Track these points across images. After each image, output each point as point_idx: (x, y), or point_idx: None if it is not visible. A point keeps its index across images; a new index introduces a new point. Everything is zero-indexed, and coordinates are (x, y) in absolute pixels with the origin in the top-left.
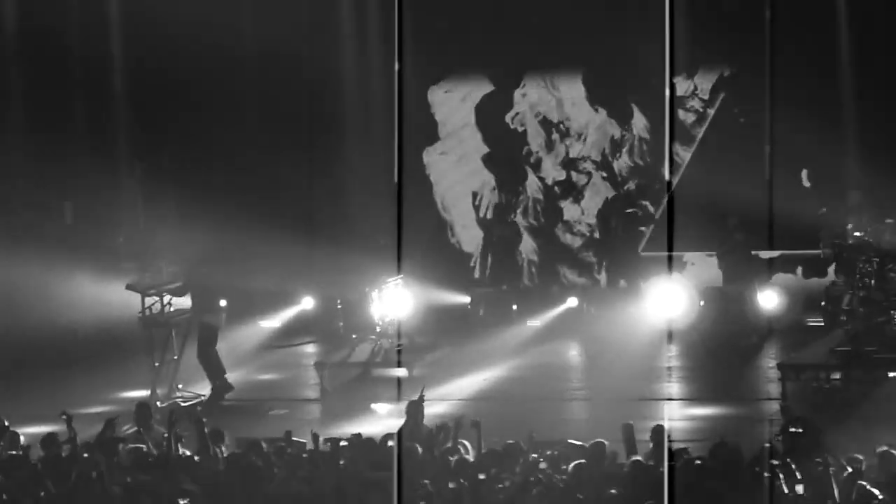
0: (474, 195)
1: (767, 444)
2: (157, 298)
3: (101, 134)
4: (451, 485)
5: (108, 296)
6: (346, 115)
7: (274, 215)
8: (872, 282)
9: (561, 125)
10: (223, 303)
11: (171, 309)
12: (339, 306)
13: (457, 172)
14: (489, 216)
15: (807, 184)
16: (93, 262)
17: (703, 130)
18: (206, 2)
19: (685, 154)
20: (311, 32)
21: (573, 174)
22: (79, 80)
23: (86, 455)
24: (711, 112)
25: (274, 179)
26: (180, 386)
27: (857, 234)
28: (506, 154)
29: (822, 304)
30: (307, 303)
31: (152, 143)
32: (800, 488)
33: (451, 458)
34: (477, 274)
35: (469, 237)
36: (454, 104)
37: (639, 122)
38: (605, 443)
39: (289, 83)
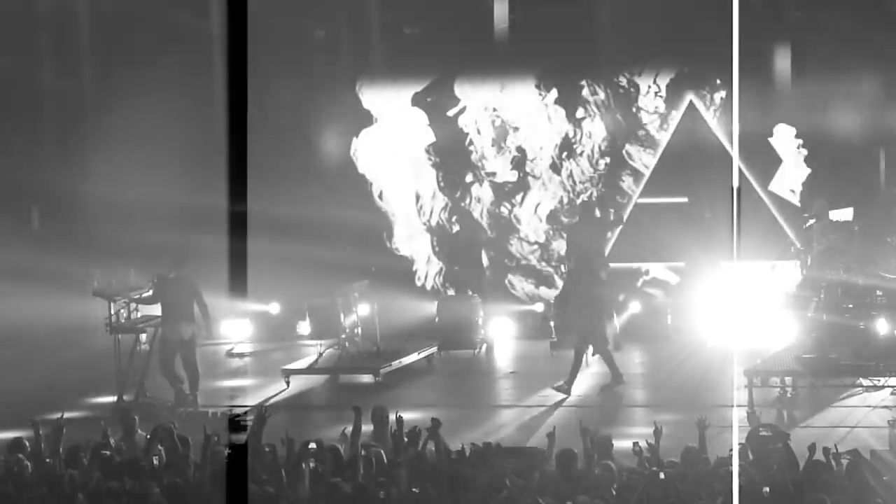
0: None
1: (730, 449)
2: (124, 305)
3: (69, 134)
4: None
5: (75, 301)
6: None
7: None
8: (839, 290)
9: (509, 125)
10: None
11: (139, 315)
12: (307, 312)
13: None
14: (434, 219)
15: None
16: (59, 268)
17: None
18: None
19: (647, 158)
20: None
21: (524, 176)
22: (47, 86)
23: (48, 460)
24: (676, 115)
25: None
26: (147, 393)
27: (823, 240)
28: (451, 150)
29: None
30: (273, 308)
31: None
32: (766, 490)
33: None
34: (421, 282)
35: (411, 239)
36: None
37: (597, 126)
38: (574, 450)
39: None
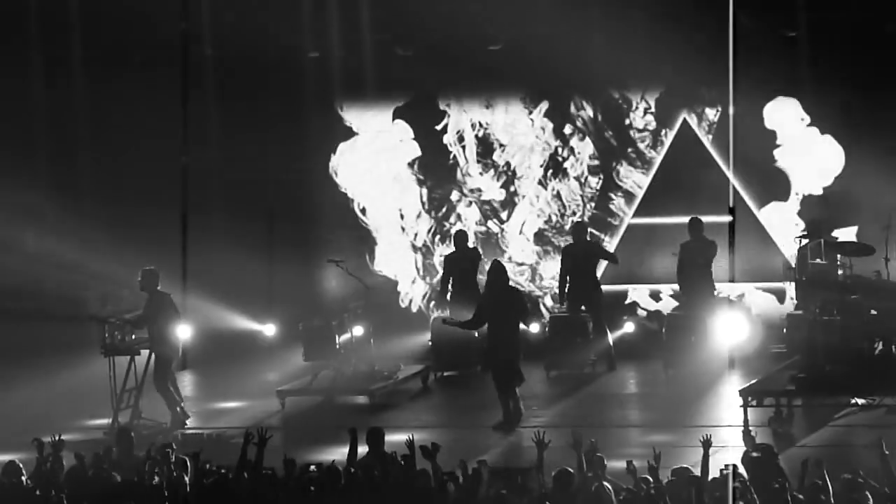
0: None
1: (723, 469)
2: (118, 327)
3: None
4: None
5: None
6: None
7: (235, 239)
8: (835, 310)
9: (496, 142)
10: (184, 333)
11: (133, 337)
12: (301, 331)
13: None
14: (420, 240)
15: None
16: (56, 289)
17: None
18: None
19: (639, 177)
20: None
21: (511, 195)
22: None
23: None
24: (670, 133)
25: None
26: (143, 414)
27: (816, 260)
28: (436, 166)
29: (784, 332)
30: (269, 329)
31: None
32: None
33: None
34: (405, 304)
35: (394, 259)
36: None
37: (587, 144)
38: (571, 469)
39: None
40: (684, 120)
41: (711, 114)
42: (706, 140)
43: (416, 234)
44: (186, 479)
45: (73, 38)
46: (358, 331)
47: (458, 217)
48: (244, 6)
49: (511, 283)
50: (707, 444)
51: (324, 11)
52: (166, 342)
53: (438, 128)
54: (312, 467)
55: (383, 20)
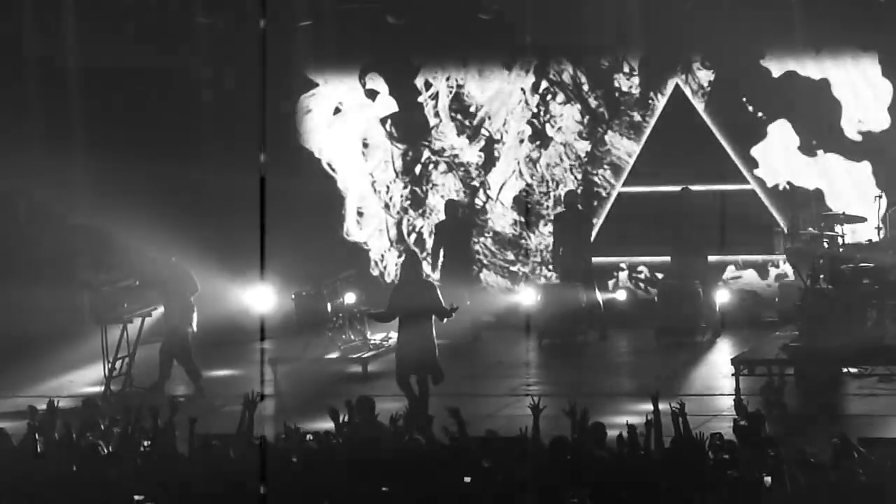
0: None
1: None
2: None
3: (55, 128)
4: None
5: (61, 292)
6: None
7: (225, 211)
8: (823, 277)
9: (476, 104)
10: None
11: (125, 306)
12: (293, 301)
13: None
14: (395, 208)
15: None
16: (46, 259)
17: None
18: None
19: (628, 146)
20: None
21: (491, 160)
22: (33, 76)
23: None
24: (661, 100)
25: (225, 175)
26: (134, 382)
27: (809, 229)
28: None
29: (776, 301)
30: (263, 299)
31: (107, 141)
32: (768, 480)
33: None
34: (377, 272)
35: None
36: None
37: (574, 110)
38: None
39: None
40: (676, 85)
41: (704, 78)
42: (699, 106)
43: (390, 199)
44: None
45: None
46: (350, 298)
47: (433, 184)
48: None
49: (424, 276)
50: (682, 411)
51: None
52: (184, 313)
53: (418, 83)
54: (309, 436)
55: None
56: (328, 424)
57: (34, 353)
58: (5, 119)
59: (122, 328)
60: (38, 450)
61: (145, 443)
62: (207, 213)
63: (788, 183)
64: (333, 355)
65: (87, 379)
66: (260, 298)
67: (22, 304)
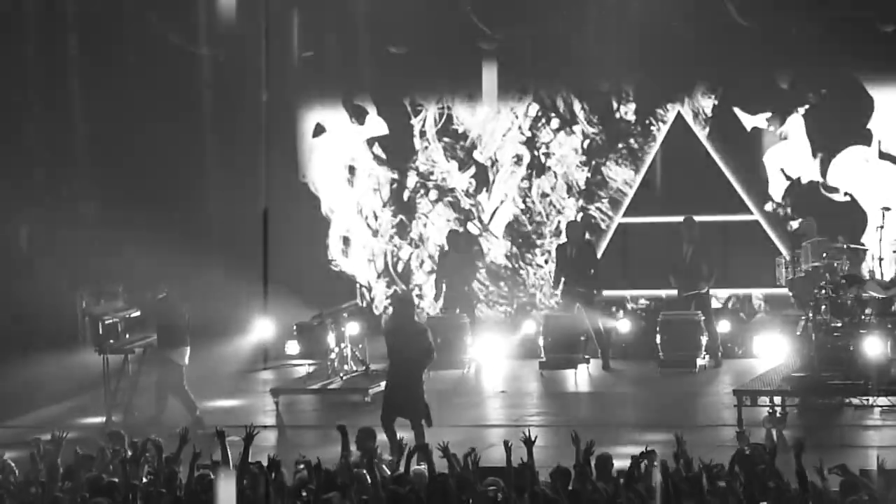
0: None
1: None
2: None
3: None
4: None
5: (64, 322)
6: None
7: (225, 242)
8: (825, 307)
9: (470, 133)
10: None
11: (128, 336)
12: (295, 332)
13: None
14: (385, 235)
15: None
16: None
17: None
18: None
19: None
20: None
21: (487, 189)
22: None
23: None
24: (663, 129)
25: (225, 205)
26: (136, 412)
27: (811, 261)
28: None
29: (778, 331)
30: (264, 329)
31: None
32: None
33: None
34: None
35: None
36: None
37: (574, 139)
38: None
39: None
40: (678, 114)
41: (707, 107)
42: (701, 135)
43: (379, 229)
44: (181, 476)
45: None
46: (353, 329)
47: (422, 213)
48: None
49: (416, 317)
50: (680, 440)
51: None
52: (176, 345)
53: (408, 106)
54: (300, 466)
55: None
56: (327, 454)
57: (34, 383)
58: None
59: (123, 358)
60: (41, 481)
61: (147, 475)
62: (208, 243)
63: (792, 211)
64: (335, 385)
65: (87, 409)
66: (262, 328)
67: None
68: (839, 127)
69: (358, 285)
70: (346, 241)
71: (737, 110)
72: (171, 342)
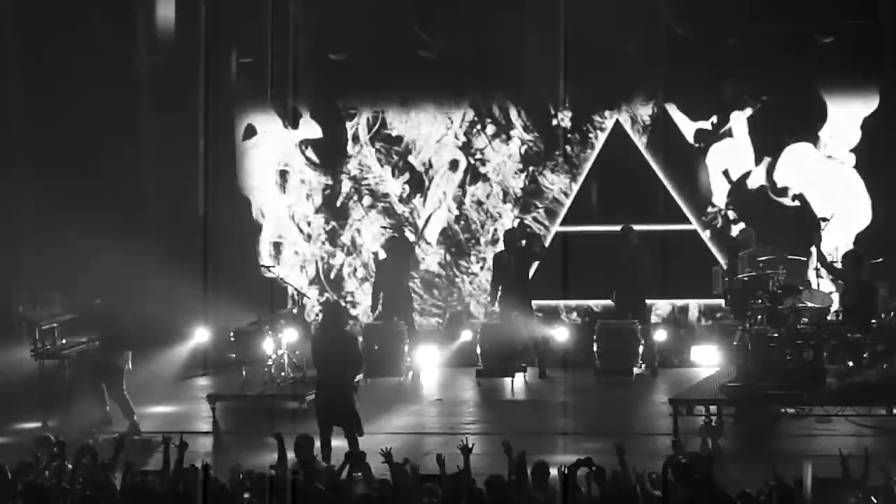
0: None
1: (651, 474)
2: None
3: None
4: None
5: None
6: None
7: (164, 247)
8: (761, 317)
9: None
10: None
11: (64, 341)
12: (232, 338)
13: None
14: (317, 241)
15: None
16: None
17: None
18: None
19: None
20: None
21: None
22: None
23: None
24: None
25: (165, 210)
26: (72, 418)
27: (747, 270)
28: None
29: (715, 341)
30: (201, 335)
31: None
32: None
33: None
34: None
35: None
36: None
37: (511, 147)
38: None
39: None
40: (617, 121)
41: (646, 115)
42: (640, 143)
43: (311, 233)
44: (116, 483)
45: None
46: (290, 335)
47: (355, 219)
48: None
49: (346, 326)
50: (620, 450)
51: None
52: (119, 350)
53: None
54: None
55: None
56: (264, 460)
57: None
58: None
59: (59, 363)
60: None
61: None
62: (146, 247)
63: (731, 218)
64: (272, 392)
65: (25, 414)
66: (200, 333)
67: None
68: (784, 127)
69: (291, 292)
70: (276, 246)
71: (678, 113)
72: (112, 346)
